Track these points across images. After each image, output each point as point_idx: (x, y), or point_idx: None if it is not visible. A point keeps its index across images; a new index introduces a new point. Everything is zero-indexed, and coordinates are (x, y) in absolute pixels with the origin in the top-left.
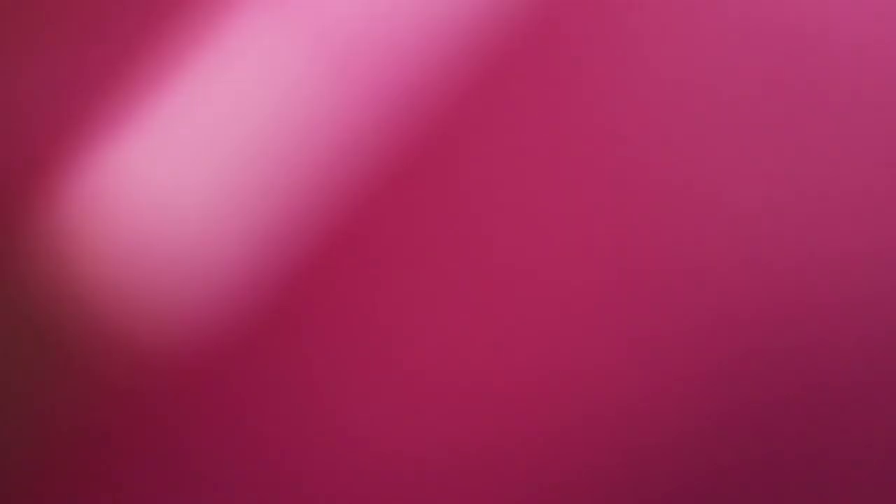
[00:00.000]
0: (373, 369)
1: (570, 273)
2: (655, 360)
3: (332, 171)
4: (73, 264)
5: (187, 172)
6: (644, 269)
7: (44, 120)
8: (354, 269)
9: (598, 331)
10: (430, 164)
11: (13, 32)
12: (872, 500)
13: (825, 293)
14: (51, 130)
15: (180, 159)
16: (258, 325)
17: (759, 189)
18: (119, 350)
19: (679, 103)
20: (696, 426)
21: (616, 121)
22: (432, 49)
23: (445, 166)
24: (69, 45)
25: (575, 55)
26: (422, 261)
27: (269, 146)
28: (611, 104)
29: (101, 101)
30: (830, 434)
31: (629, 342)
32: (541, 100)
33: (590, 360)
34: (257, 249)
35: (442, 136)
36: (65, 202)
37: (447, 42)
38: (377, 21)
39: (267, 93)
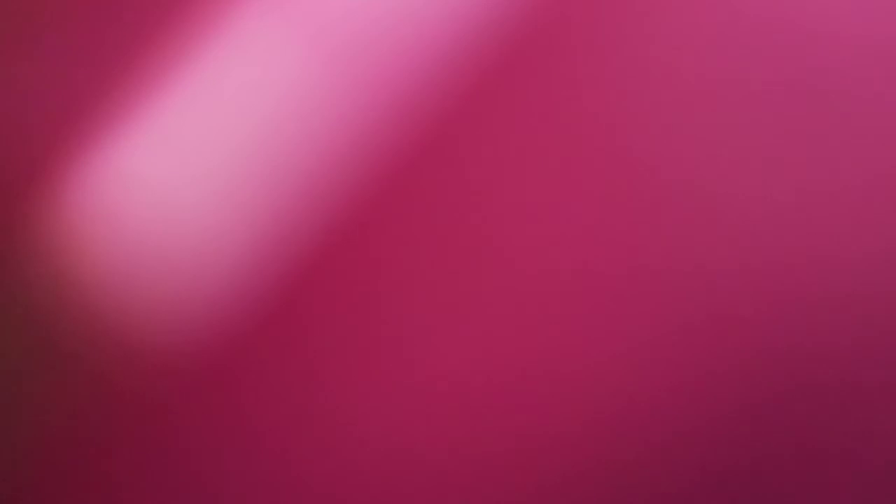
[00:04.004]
0: (373, 369)
1: (570, 272)
2: (655, 360)
3: (333, 170)
4: (73, 264)
5: (187, 173)
6: (644, 269)
7: (44, 120)
8: (354, 269)
9: (598, 330)
10: (429, 164)
11: (13, 32)
12: (872, 499)
13: (825, 293)
14: (51, 130)
15: (180, 159)
16: (258, 324)
17: (759, 189)
18: (119, 350)
19: (678, 103)
20: (696, 426)
21: (616, 121)
22: (432, 49)
23: (445, 166)
24: (69, 45)
25: (575, 55)
26: (422, 261)
27: (270, 146)
28: (611, 104)
29: (101, 101)
30: (830, 434)
31: (629, 342)
32: (541, 100)
33: (590, 359)
34: (257, 249)
35: (442, 136)
36: (65, 202)
37: (446, 42)
38: (377, 21)
39: (267, 93)
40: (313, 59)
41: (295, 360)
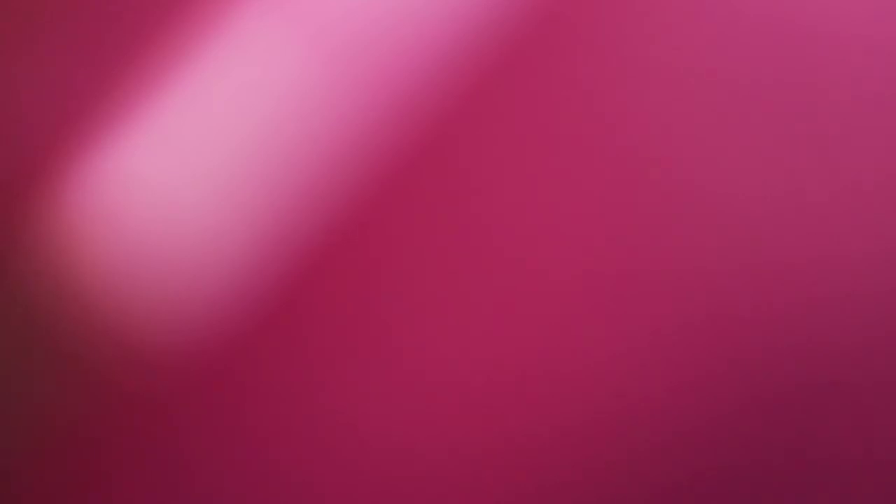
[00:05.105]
0: (373, 369)
1: (570, 273)
2: (656, 360)
3: (333, 170)
4: (73, 264)
5: (187, 173)
6: (644, 269)
7: (44, 120)
8: (354, 269)
9: (598, 330)
10: (429, 164)
11: (13, 32)
12: (872, 499)
13: (825, 293)
14: (51, 131)
15: (180, 159)
16: (258, 324)
17: (759, 189)
18: (119, 350)
19: (679, 103)
20: (696, 426)
21: (616, 121)
22: (432, 49)
23: (445, 166)
24: (69, 45)
25: (575, 55)
26: (422, 261)
27: (270, 146)
28: (611, 104)
29: (101, 102)
30: (830, 433)
31: (629, 342)
32: (541, 100)
33: (590, 359)
34: (257, 249)
35: (442, 136)
36: (65, 202)
37: (446, 42)
38: (377, 21)
39: (267, 93)
40: (313, 59)
41: (295, 360)
